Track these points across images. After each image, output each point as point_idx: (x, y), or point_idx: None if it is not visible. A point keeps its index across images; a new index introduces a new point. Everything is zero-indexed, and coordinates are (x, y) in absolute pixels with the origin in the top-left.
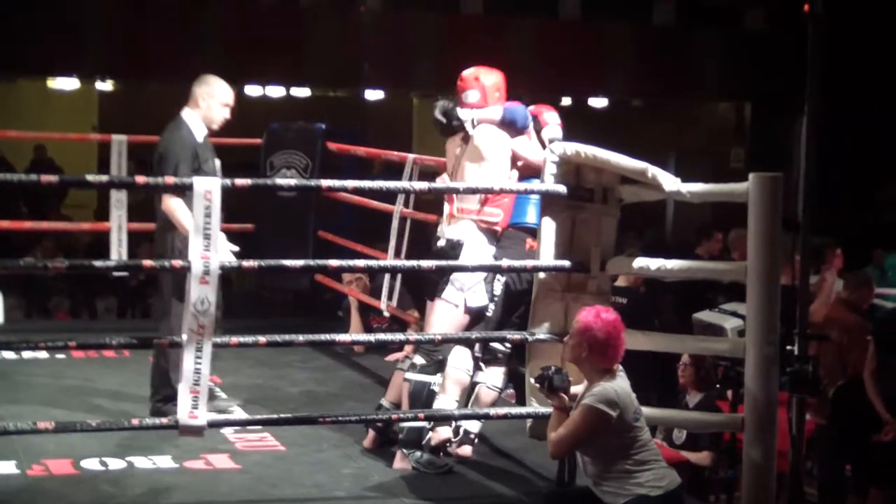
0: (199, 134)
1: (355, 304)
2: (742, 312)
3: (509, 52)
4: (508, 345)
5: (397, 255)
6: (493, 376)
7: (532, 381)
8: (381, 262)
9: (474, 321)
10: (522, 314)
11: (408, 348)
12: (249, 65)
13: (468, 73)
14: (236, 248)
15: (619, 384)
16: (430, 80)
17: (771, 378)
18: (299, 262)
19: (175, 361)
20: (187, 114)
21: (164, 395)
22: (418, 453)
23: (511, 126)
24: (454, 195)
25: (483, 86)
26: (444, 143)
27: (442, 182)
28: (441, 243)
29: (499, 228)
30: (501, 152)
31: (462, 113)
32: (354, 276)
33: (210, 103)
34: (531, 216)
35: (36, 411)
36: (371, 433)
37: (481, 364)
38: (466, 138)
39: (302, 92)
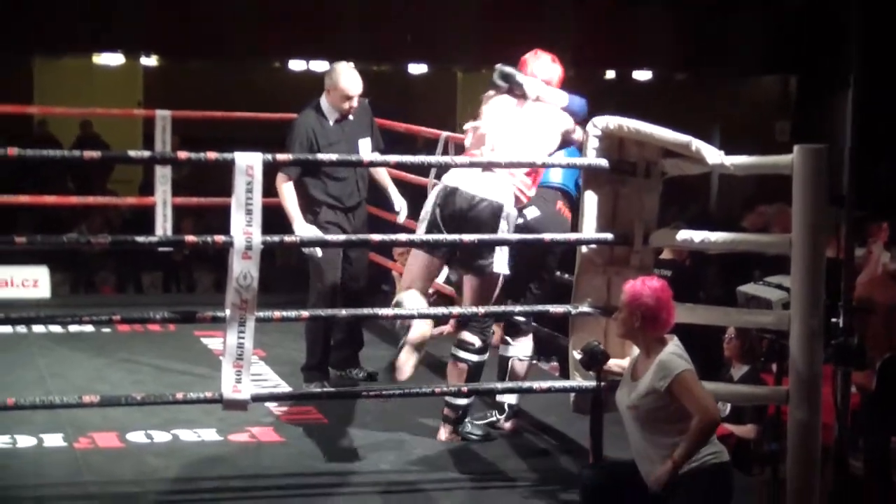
0: (331, 118)
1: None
2: (787, 285)
3: (553, 25)
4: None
5: None
6: (523, 348)
7: (576, 354)
8: (424, 237)
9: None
10: (541, 281)
11: (451, 324)
12: (292, 40)
13: (543, 53)
14: None
15: (677, 350)
16: (473, 54)
17: (815, 351)
18: (341, 237)
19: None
20: (322, 98)
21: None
22: (468, 426)
23: (571, 116)
24: (493, 150)
25: (554, 68)
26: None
27: (472, 130)
28: (463, 191)
29: (526, 200)
30: (557, 136)
31: (527, 82)
32: (403, 249)
33: (333, 94)
34: (554, 175)
35: (82, 385)
36: (447, 427)
37: (507, 338)
38: (520, 103)
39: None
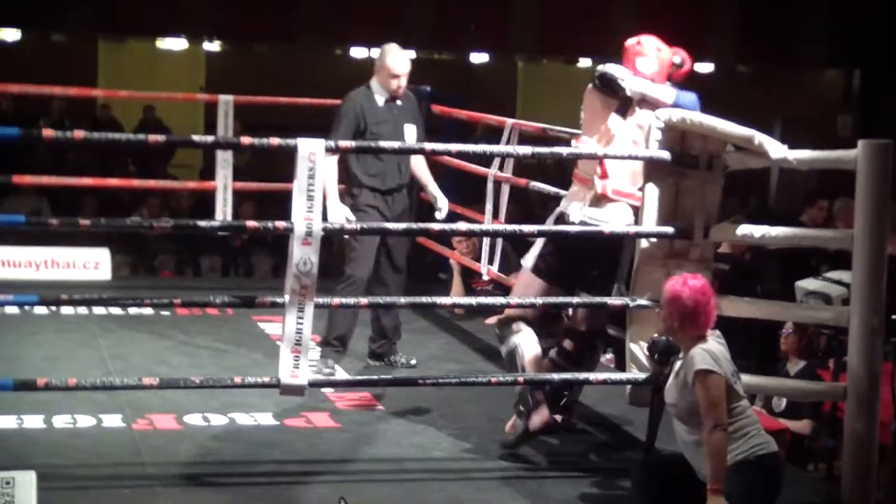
0: (380, 99)
1: (457, 268)
2: (847, 281)
3: (616, 17)
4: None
5: (495, 218)
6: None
7: (633, 347)
8: (483, 226)
9: None
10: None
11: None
12: (354, 27)
13: (647, 40)
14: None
15: (710, 345)
16: (535, 43)
17: (875, 348)
18: (401, 225)
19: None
20: (373, 79)
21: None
22: None
23: None
24: (608, 171)
25: (661, 59)
26: (549, 107)
27: (585, 146)
28: (585, 215)
29: None
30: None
31: (629, 83)
32: (462, 237)
33: (381, 73)
34: None
35: (142, 367)
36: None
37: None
38: (624, 109)
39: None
